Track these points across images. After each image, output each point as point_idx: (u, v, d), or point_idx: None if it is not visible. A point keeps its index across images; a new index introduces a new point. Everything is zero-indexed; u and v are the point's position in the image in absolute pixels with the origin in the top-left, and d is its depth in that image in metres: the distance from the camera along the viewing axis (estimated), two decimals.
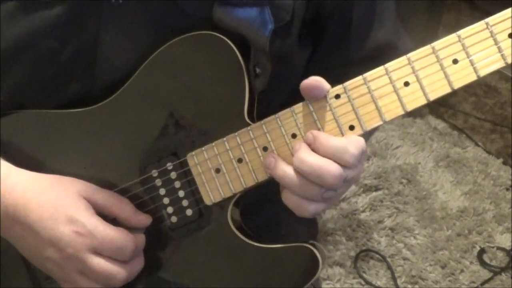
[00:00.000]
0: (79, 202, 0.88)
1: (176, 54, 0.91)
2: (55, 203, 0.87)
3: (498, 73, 2.83)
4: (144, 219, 0.93)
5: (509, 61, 0.79)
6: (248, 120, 0.89)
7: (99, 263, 0.86)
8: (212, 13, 0.89)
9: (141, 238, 0.91)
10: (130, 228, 0.91)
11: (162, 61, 0.91)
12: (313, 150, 0.83)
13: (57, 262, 0.88)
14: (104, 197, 0.91)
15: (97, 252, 0.87)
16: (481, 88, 2.81)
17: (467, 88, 2.78)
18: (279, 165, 0.85)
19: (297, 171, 0.83)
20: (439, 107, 2.74)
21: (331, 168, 0.81)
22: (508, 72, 2.79)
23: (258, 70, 0.91)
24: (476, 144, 2.58)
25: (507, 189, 2.38)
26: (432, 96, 0.82)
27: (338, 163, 0.82)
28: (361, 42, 1.02)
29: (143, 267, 0.93)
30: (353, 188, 2.34)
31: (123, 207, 0.91)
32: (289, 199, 0.85)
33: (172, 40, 0.90)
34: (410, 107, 0.83)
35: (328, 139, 0.83)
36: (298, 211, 0.86)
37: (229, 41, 0.88)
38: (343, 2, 0.99)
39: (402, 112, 0.83)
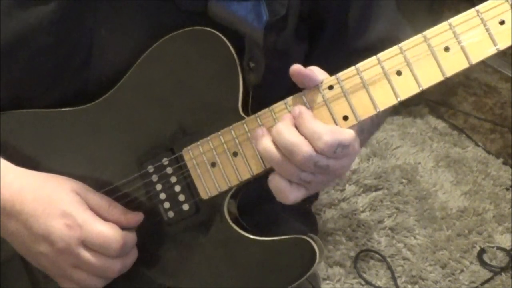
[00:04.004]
0: (73, 197, 0.89)
1: (170, 50, 0.91)
2: (50, 198, 0.88)
3: (498, 73, 2.83)
4: (134, 218, 0.93)
5: (500, 47, 0.79)
6: (242, 114, 0.90)
7: (89, 256, 0.87)
8: (207, 7, 0.90)
9: (131, 235, 0.91)
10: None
11: (157, 57, 0.92)
12: (296, 125, 0.84)
13: (50, 257, 0.88)
14: (95, 199, 0.91)
15: (85, 245, 0.87)
16: (481, 88, 2.81)
17: (467, 88, 2.79)
18: (264, 138, 0.85)
19: (274, 142, 0.83)
20: (439, 107, 2.74)
21: (302, 147, 0.81)
22: (508, 72, 2.79)
23: (252, 65, 0.91)
24: (476, 144, 2.57)
25: (507, 189, 2.38)
26: (425, 84, 0.82)
27: (312, 146, 0.82)
28: (361, 34, 1.03)
29: (141, 263, 0.94)
30: (353, 188, 2.34)
31: (111, 211, 0.91)
32: (272, 182, 0.86)
33: (166, 36, 0.91)
34: (403, 95, 0.83)
35: (310, 120, 0.83)
36: (279, 196, 0.86)
37: (222, 36, 0.89)
38: None
39: (396, 101, 0.83)
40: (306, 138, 0.82)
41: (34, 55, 0.94)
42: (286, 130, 0.83)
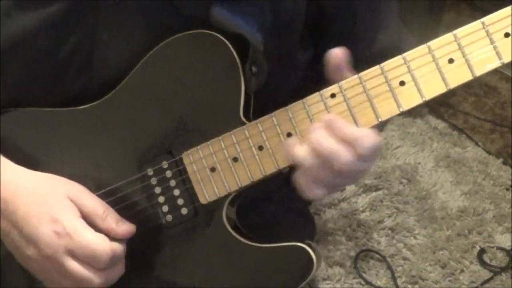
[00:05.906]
0: (65, 203, 0.88)
1: (173, 53, 0.91)
2: (43, 202, 0.87)
3: (498, 73, 2.82)
4: (126, 229, 0.91)
5: (505, 61, 0.79)
6: (243, 119, 0.90)
7: (75, 266, 0.86)
8: (209, 13, 0.89)
9: (121, 247, 0.90)
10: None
11: (159, 60, 0.91)
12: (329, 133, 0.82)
13: (38, 262, 0.87)
14: (91, 204, 0.90)
15: (73, 255, 0.86)
16: (481, 88, 2.80)
17: (467, 88, 2.79)
18: (298, 146, 0.84)
19: (313, 152, 0.82)
20: (439, 107, 2.73)
21: (345, 154, 0.81)
22: (508, 72, 2.78)
23: (254, 69, 0.91)
24: (476, 144, 2.57)
25: (507, 189, 2.37)
26: (428, 96, 0.82)
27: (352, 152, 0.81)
28: (368, 44, 1.02)
29: (138, 266, 0.93)
30: (353, 188, 2.33)
31: (105, 218, 0.90)
32: (300, 180, 0.85)
33: (169, 38, 0.90)
34: (405, 106, 0.83)
35: (348, 126, 0.82)
36: (305, 192, 0.85)
37: (225, 40, 0.89)
38: (346, 2, 0.98)
39: (398, 112, 0.83)
40: (346, 144, 0.81)
41: (35, 57, 0.94)
42: (326, 139, 0.82)
